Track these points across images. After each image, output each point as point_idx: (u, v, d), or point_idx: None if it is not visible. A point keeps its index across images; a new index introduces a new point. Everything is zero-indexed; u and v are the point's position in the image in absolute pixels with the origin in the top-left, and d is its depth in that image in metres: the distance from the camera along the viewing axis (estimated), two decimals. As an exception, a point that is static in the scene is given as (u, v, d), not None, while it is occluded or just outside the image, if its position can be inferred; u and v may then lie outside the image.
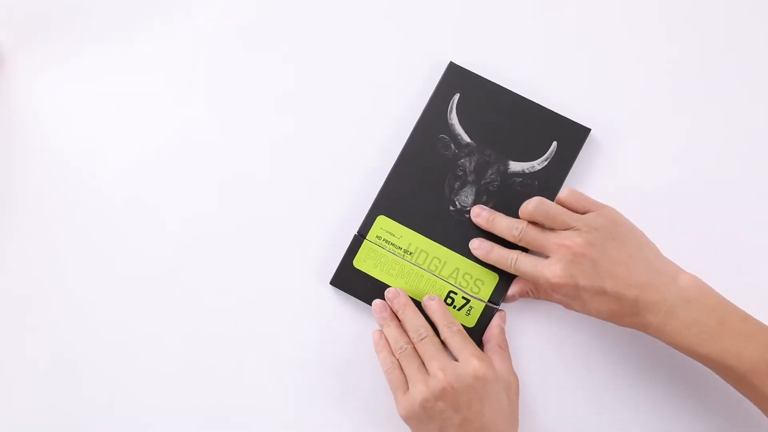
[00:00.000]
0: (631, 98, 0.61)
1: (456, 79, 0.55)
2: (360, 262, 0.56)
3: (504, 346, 0.59)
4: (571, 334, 0.61)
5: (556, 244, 0.50)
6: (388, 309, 0.60)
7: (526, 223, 0.52)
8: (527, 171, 0.52)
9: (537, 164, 0.52)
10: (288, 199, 0.68)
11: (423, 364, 0.57)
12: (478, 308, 0.54)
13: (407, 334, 0.59)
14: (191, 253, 0.69)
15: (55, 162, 0.73)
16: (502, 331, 0.58)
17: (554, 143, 0.52)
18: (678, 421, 0.60)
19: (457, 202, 0.52)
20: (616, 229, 0.51)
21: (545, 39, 0.63)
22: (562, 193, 0.51)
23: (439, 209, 0.52)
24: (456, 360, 0.56)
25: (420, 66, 0.66)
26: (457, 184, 0.52)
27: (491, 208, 0.51)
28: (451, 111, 0.52)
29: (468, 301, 0.54)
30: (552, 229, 0.51)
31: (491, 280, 0.54)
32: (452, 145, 0.52)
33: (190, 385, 0.67)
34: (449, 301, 0.55)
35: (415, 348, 0.58)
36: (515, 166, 0.52)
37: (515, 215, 0.51)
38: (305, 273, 0.65)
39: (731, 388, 0.56)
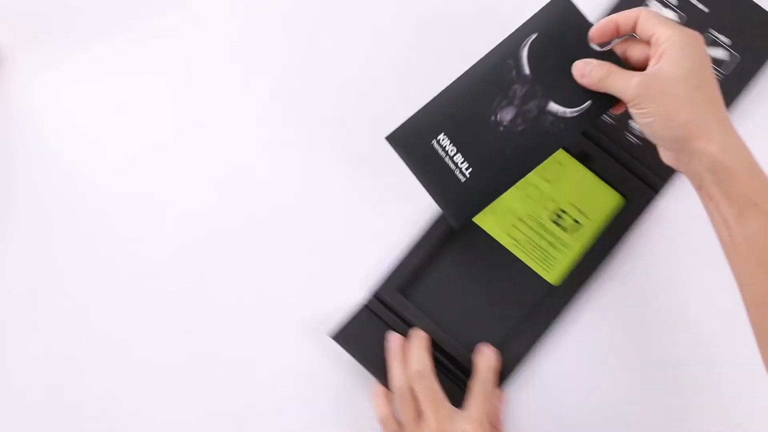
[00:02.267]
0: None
1: (558, 10, 0.66)
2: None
3: (499, 427, 0.65)
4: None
5: None
6: (402, 347, 0.66)
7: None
8: (559, 114, 0.65)
9: (569, 113, 0.65)
10: (288, 198, 0.72)
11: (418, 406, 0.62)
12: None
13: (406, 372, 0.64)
14: (191, 251, 0.71)
15: (55, 161, 0.72)
16: (498, 411, 0.66)
17: (589, 102, 0.65)
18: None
19: (498, 115, 0.66)
20: None
21: None
22: None
23: (481, 115, 0.66)
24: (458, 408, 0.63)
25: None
26: (504, 101, 0.65)
27: (520, 131, 0.65)
28: (524, 46, 0.65)
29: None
30: None
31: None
32: (514, 71, 0.66)
33: (190, 381, 0.69)
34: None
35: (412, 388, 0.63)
36: (553, 106, 0.65)
37: (537, 141, 0.65)
38: (305, 269, 0.71)
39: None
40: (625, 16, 0.63)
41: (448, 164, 0.66)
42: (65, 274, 0.70)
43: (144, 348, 0.69)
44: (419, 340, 0.66)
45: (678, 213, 0.72)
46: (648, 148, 0.67)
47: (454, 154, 0.66)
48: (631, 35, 0.64)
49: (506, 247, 0.72)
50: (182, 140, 0.73)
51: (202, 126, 0.73)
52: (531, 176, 0.68)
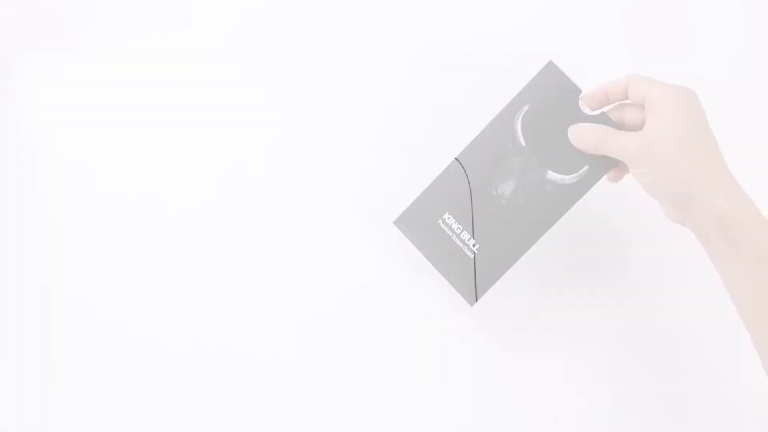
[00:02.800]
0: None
1: (547, 79, 0.67)
2: None
3: None
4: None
5: None
6: None
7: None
8: (558, 182, 0.66)
9: (568, 179, 0.66)
10: (291, 197, 0.72)
11: None
12: None
13: None
14: (191, 251, 0.71)
15: (55, 162, 0.72)
16: None
17: (586, 166, 0.65)
18: None
19: (499, 189, 0.67)
20: None
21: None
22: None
23: (483, 190, 0.67)
24: None
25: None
26: (503, 174, 0.67)
27: (522, 203, 0.66)
28: (518, 118, 0.66)
29: None
30: None
31: None
32: (510, 145, 0.67)
33: (190, 382, 0.69)
34: None
35: None
36: (551, 175, 0.66)
37: (540, 211, 0.66)
38: (305, 270, 0.71)
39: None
40: (614, 84, 0.63)
41: (455, 242, 0.67)
42: (65, 275, 0.70)
43: (144, 348, 0.69)
44: None
45: None
46: None
47: (461, 232, 0.67)
48: (621, 102, 0.64)
49: None
50: (182, 139, 0.73)
51: (202, 126, 0.73)
52: None
